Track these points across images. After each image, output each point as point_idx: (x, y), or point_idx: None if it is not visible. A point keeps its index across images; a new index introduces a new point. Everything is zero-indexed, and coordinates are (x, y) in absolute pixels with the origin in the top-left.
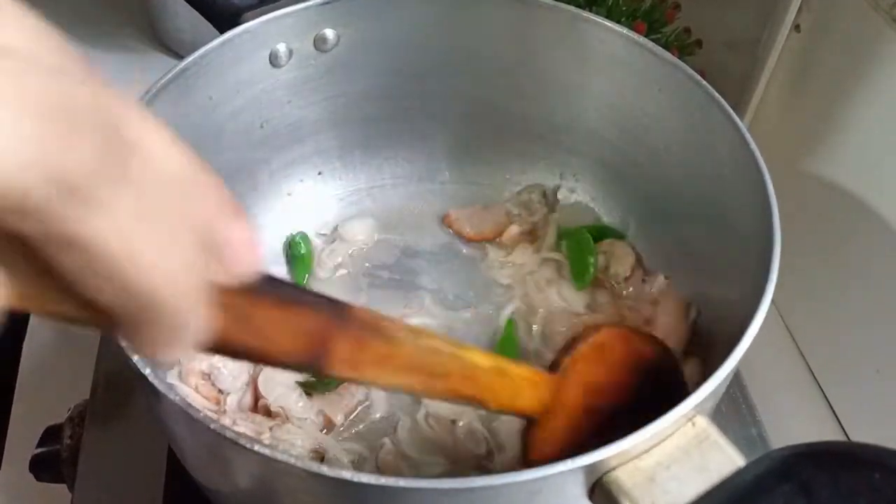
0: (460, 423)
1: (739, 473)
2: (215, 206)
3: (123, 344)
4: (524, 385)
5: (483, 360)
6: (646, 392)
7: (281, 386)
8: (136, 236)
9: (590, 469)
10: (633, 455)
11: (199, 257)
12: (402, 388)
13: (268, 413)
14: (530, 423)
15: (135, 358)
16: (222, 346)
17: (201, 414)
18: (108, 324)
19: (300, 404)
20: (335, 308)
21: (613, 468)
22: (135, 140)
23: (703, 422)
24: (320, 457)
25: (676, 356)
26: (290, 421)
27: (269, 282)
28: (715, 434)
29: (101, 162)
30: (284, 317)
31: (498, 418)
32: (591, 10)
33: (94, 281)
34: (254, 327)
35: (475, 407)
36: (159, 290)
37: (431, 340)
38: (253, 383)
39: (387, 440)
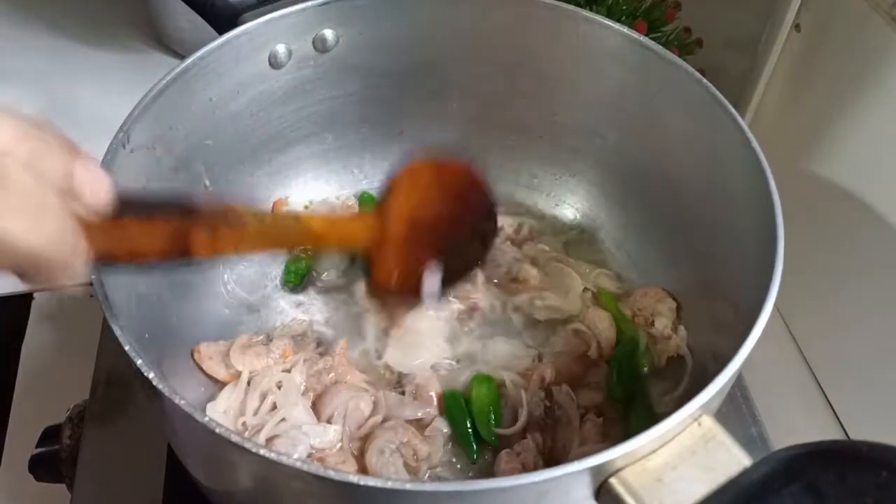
0: None
1: (746, 473)
2: (63, 157)
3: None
4: (353, 228)
5: (315, 221)
6: (460, 210)
7: None
8: (7, 218)
9: (596, 470)
10: (640, 455)
11: (66, 211)
12: (259, 251)
13: None
14: (370, 253)
15: (139, 362)
16: (108, 258)
17: (204, 416)
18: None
19: None
20: (187, 209)
21: (620, 469)
22: None
23: (709, 421)
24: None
25: (481, 175)
26: None
27: (127, 201)
28: (721, 434)
29: None
30: (147, 226)
31: None
32: (591, 9)
33: None
34: (126, 239)
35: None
36: (41, 251)
37: (273, 217)
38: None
39: None
